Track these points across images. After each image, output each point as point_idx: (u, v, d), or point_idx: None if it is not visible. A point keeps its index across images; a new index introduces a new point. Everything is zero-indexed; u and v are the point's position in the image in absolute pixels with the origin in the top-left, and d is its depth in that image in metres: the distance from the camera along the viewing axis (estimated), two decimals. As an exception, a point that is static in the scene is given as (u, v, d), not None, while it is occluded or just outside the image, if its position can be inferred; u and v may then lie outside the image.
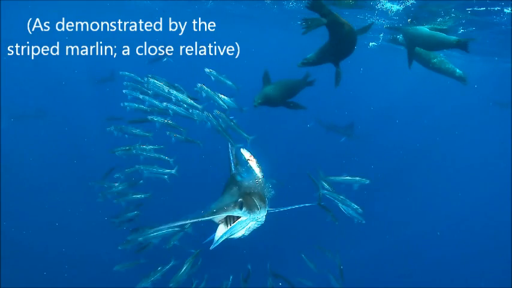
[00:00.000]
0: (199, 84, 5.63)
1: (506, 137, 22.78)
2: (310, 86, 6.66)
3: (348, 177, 6.12)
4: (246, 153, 3.20)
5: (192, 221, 2.71)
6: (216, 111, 5.49)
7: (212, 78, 6.03)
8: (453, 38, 6.07)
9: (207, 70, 5.96)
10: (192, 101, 5.65)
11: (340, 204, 5.82)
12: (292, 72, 6.77)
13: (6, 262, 10.16)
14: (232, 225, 2.99)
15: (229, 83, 6.09)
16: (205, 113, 5.52)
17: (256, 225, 3.22)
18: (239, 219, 3.00)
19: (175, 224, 2.55)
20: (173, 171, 6.43)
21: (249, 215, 3.01)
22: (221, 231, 2.98)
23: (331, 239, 10.05)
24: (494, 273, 13.61)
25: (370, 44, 15.26)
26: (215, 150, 8.21)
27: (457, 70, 6.79)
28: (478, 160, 22.79)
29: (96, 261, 10.62)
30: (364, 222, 5.85)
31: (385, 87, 28.99)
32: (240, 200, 3.01)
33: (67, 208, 12.75)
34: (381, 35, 13.38)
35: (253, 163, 3.17)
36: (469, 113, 26.29)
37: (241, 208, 2.97)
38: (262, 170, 3.23)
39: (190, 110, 5.73)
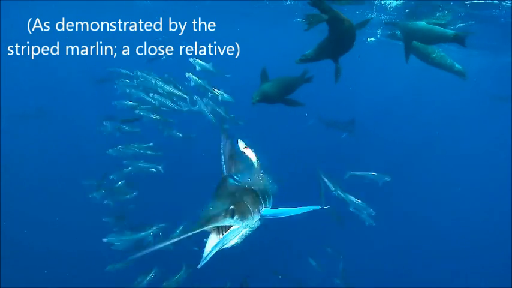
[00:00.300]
0: (187, 74, 5.64)
1: (506, 132, 22.64)
2: (308, 82, 6.66)
3: (371, 173, 6.02)
4: (241, 144, 3.10)
5: (179, 238, 2.44)
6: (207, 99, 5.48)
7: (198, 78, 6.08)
8: (450, 32, 6.05)
9: (187, 74, 6.02)
10: (180, 93, 5.68)
11: (351, 207, 5.76)
12: (290, 69, 6.75)
13: (6, 262, 10.15)
14: (224, 235, 2.73)
15: (227, 96, 6.13)
16: (195, 97, 5.53)
17: (249, 232, 2.99)
18: (231, 228, 2.74)
19: (163, 245, 2.34)
20: (160, 167, 6.48)
21: (241, 222, 2.76)
22: (212, 242, 2.71)
23: (334, 239, 10.03)
24: (494, 273, 13.59)
25: (369, 39, 15.23)
26: (215, 150, 8.18)
27: (456, 65, 6.78)
28: (478, 155, 22.68)
29: (96, 261, 10.59)
30: (374, 225, 5.77)
31: (384, 83, 28.89)
32: (231, 207, 2.73)
33: (67, 208, 12.73)
34: (379, 30, 13.37)
35: (249, 152, 3.05)
36: (468, 107, 26.16)
37: (233, 216, 2.70)
38: (262, 167, 3.16)
39: (180, 103, 5.77)
